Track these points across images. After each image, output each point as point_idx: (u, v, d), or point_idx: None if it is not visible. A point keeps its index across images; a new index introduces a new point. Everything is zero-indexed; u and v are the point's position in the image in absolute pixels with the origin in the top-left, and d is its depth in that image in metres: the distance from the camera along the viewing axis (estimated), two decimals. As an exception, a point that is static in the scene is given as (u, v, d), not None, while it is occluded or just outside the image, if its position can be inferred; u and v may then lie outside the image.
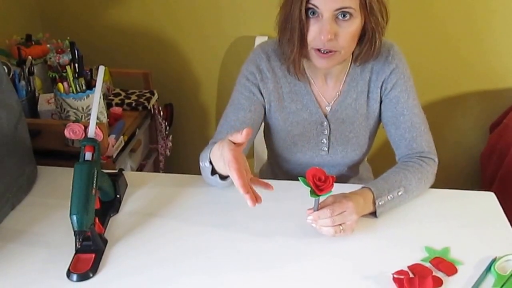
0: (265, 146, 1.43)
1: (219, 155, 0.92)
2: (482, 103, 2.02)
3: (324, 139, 1.26)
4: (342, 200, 1.00)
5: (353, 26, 1.06)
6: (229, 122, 1.21)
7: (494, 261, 0.95)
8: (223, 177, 1.06)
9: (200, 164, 1.12)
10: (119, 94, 1.82)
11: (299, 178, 0.91)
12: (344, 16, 1.04)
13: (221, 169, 0.98)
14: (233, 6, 1.90)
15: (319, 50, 1.08)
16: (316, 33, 1.06)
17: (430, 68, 1.95)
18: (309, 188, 0.91)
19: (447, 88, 2.01)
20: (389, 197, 1.07)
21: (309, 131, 1.25)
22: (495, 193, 1.19)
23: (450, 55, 1.93)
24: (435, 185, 1.20)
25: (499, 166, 1.84)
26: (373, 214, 1.08)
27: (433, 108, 2.03)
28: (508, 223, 1.09)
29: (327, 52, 1.07)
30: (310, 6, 1.04)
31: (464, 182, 2.20)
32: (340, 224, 0.99)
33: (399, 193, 1.09)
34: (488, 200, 1.18)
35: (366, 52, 1.13)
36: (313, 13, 1.06)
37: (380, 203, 1.06)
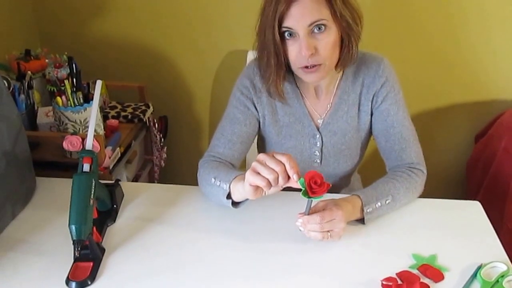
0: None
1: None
2: (468, 114, 2.05)
3: (317, 151, 1.28)
4: (333, 207, 1.01)
5: (330, 36, 1.08)
6: (226, 136, 1.22)
7: (480, 267, 0.97)
8: (234, 203, 1.08)
9: (212, 182, 1.12)
10: (115, 107, 1.84)
11: (298, 180, 0.92)
12: (319, 29, 1.06)
13: (241, 194, 1.02)
14: (225, 21, 1.93)
15: (305, 66, 1.10)
16: (296, 52, 1.08)
17: (418, 79, 1.97)
18: (303, 188, 0.92)
19: (434, 99, 2.04)
20: (377, 205, 1.09)
21: (301, 144, 1.27)
22: (480, 201, 1.21)
23: (437, 67, 1.96)
24: (422, 194, 1.21)
25: (484, 175, 1.86)
26: (361, 221, 1.10)
27: (421, 118, 2.05)
28: (493, 231, 1.11)
29: (312, 66, 1.09)
30: (284, 29, 1.06)
31: (450, 190, 2.22)
32: (328, 231, 1.00)
33: (387, 202, 1.11)
34: (473, 209, 1.19)
35: (344, 57, 1.14)
36: (290, 34, 1.08)
37: (368, 210, 1.08)
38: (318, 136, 1.26)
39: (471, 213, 1.18)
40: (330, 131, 1.26)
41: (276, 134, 1.27)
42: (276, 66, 1.12)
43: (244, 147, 1.25)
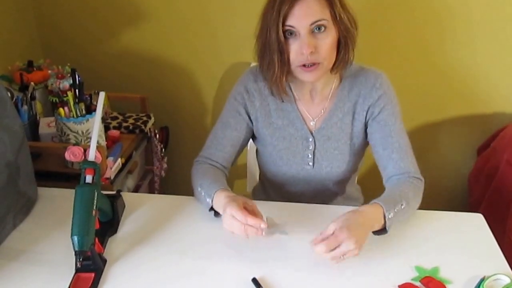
0: (258, 166, 1.47)
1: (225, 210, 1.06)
2: (470, 126, 2.05)
3: (309, 154, 1.30)
4: (340, 231, 0.97)
5: (330, 37, 1.12)
6: (218, 139, 1.30)
7: (482, 280, 0.97)
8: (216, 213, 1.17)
9: (198, 190, 1.20)
10: (117, 118, 1.85)
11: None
12: (319, 29, 1.11)
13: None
14: (228, 33, 1.95)
15: (304, 65, 1.13)
16: (297, 51, 1.12)
17: (420, 92, 1.98)
18: None
19: (437, 112, 2.04)
20: (395, 210, 1.08)
21: (295, 146, 1.30)
22: (482, 214, 1.21)
23: (439, 80, 1.96)
24: (424, 206, 1.21)
25: (486, 188, 1.85)
26: (378, 232, 1.09)
27: (423, 130, 2.05)
28: (496, 244, 1.11)
29: (311, 65, 1.13)
30: (287, 28, 1.10)
31: (452, 203, 2.22)
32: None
33: (402, 206, 1.10)
34: (476, 221, 1.20)
35: (341, 60, 1.18)
36: (291, 33, 1.12)
37: (390, 216, 1.07)
38: (311, 139, 1.29)
39: (474, 225, 1.19)
40: (324, 135, 1.29)
41: (270, 136, 1.31)
42: (279, 63, 1.15)
43: (235, 150, 1.32)
